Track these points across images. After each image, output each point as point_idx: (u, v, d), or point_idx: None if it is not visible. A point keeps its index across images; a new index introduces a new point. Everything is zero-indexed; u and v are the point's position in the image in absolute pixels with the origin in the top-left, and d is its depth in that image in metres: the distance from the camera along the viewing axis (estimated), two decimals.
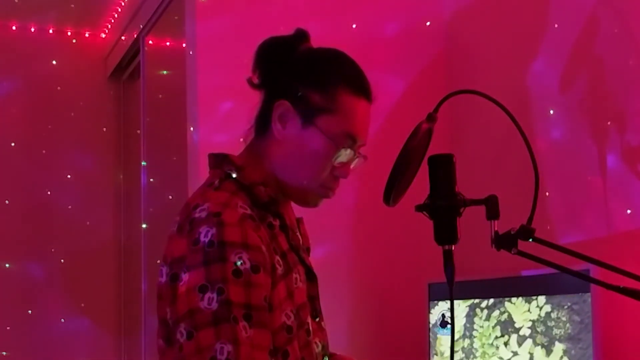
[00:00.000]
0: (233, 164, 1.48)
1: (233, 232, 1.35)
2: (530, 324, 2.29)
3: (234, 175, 1.47)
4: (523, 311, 2.31)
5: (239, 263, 1.33)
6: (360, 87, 1.50)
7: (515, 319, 2.33)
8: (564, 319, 2.19)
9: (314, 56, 1.52)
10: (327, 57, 1.52)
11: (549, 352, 2.21)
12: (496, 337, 2.39)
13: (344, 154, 1.49)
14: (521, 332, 2.30)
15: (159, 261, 1.48)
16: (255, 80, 1.52)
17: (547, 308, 2.24)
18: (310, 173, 1.49)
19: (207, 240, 1.34)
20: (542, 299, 2.26)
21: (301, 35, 1.53)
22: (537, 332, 2.26)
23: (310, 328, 1.50)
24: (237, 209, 1.39)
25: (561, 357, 2.17)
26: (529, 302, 2.30)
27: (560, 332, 2.19)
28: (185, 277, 1.35)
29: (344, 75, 1.49)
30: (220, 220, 1.36)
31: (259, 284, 1.35)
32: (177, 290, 1.36)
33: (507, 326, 2.35)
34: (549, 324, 2.23)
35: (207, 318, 1.31)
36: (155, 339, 1.49)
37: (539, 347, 2.24)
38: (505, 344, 2.36)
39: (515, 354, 2.31)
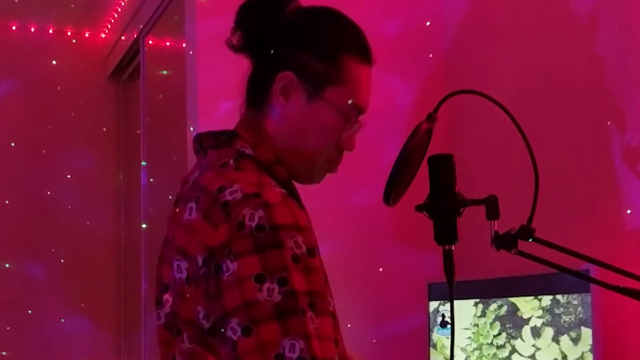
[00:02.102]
0: (246, 141, 1.35)
1: (283, 214, 1.21)
2: (540, 312, 2.27)
3: (249, 153, 1.34)
4: (529, 300, 2.30)
5: (295, 248, 1.20)
6: (365, 52, 1.40)
7: (522, 310, 2.32)
8: (574, 302, 2.17)
9: (313, 20, 1.40)
10: (328, 22, 1.40)
11: (576, 340, 2.18)
12: (495, 336, 2.40)
13: (353, 127, 1.40)
14: (531, 323, 2.29)
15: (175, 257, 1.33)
16: (236, 42, 1.38)
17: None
18: (318, 148, 1.38)
19: (254, 224, 1.19)
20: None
21: None
22: (553, 319, 2.26)
23: None
24: (274, 188, 1.26)
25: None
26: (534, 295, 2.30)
27: (570, 317, 2.19)
28: (232, 266, 1.19)
29: (348, 41, 1.39)
30: (265, 201, 1.21)
31: (317, 267, 1.22)
32: (222, 282, 1.20)
33: (513, 320, 2.35)
34: (556, 311, 2.22)
35: (268, 311, 1.16)
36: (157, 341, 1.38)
37: (565, 336, 2.21)
38: (511, 337, 2.35)
39: (536, 347, 2.28)
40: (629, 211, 2.27)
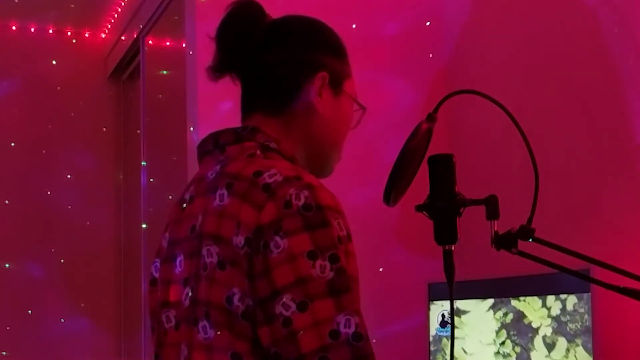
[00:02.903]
0: (269, 136, 1.38)
1: (326, 196, 1.25)
2: (549, 321, 2.26)
3: (274, 146, 1.37)
4: (537, 308, 2.29)
5: (338, 229, 1.23)
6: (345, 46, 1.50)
7: (531, 318, 2.31)
8: (581, 310, 2.17)
9: (315, 26, 1.49)
10: (327, 27, 1.50)
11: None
12: (501, 344, 2.39)
13: (361, 113, 1.50)
14: (541, 332, 2.28)
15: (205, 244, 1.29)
16: (223, 63, 1.45)
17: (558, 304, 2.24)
18: (342, 138, 1.47)
19: (301, 203, 1.21)
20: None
21: (255, 5, 1.47)
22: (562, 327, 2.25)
23: None
24: (310, 174, 1.30)
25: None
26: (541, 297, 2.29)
27: (577, 325, 2.18)
28: (283, 243, 1.19)
29: (342, 42, 1.49)
30: (308, 182, 1.25)
31: (353, 253, 1.26)
32: (270, 260, 1.20)
33: (518, 327, 2.35)
34: (562, 319, 2.22)
35: (322, 287, 1.18)
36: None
37: (580, 347, 2.21)
38: (515, 345, 2.35)
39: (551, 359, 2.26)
40: (628, 211, 2.27)
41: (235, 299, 1.23)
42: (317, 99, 1.41)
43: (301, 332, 1.17)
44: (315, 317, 1.18)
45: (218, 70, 1.47)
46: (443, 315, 2.58)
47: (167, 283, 1.39)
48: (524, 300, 2.32)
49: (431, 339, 2.61)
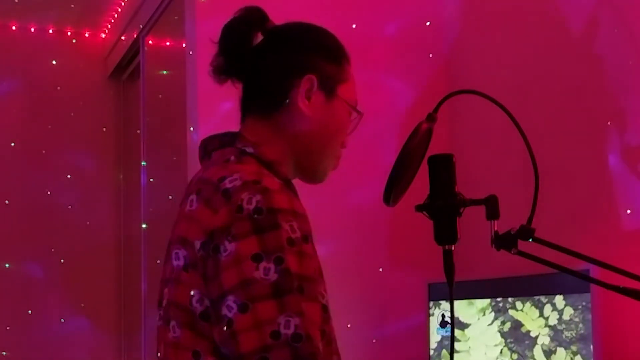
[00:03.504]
0: (247, 141, 1.41)
1: (280, 199, 1.26)
2: (547, 330, 2.26)
3: (250, 151, 1.39)
4: (535, 317, 2.30)
5: (290, 231, 1.24)
6: (349, 56, 1.50)
7: (529, 327, 2.32)
8: (576, 319, 2.18)
9: (311, 28, 1.51)
10: (326, 32, 1.51)
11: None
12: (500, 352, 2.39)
13: (357, 120, 1.49)
14: (539, 341, 2.28)
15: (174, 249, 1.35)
16: (223, 66, 1.48)
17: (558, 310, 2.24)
18: (335, 143, 1.46)
19: (252, 207, 1.24)
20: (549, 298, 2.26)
21: (259, 12, 1.50)
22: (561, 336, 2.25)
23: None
24: (273, 178, 1.32)
25: None
26: (538, 307, 2.30)
27: (572, 334, 2.19)
28: (231, 247, 1.23)
29: (342, 48, 1.49)
30: (264, 187, 1.27)
31: (309, 254, 1.27)
32: (220, 263, 1.24)
33: (515, 335, 2.35)
34: (559, 327, 2.22)
35: (265, 289, 1.20)
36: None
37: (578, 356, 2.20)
38: (512, 352, 2.35)
39: None
40: (628, 211, 2.27)
41: (194, 300, 1.28)
42: (303, 101, 1.42)
43: (241, 333, 1.20)
44: (257, 319, 1.20)
45: (218, 73, 1.50)
46: (443, 315, 2.58)
47: (161, 283, 1.44)
48: (522, 310, 2.33)
49: (431, 339, 2.61)
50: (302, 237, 1.26)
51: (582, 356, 2.14)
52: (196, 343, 1.29)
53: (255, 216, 1.24)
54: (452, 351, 1.46)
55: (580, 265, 1.75)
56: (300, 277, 1.23)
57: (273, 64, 1.45)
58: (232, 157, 1.38)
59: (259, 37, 1.47)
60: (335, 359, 1.39)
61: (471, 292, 2.49)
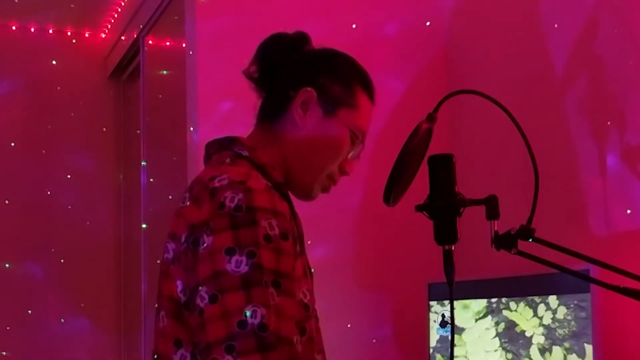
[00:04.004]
0: (243, 145, 1.48)
1: (261, 198, 1.32)
2: (541, 329, 2.27)
3: (245, 154, 1.46)
4: (529, 317, 2.30)
5: (268, 228, 1.29)
6: (372, 91, 1.55)
7: (523, 327, 2.32)
8: (568, 317, 2.18)
9: (332, 53, 1.56)
10: (344, 57, 1.56)
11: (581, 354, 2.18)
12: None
13: (358, 149, 1.53)
14: (534, 340, 2.28)
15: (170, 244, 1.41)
16: (255, 74, 1.54)
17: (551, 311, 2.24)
18: (323, 161, 1.50)
19: (233, 205, 1.30)
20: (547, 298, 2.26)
21: (306, 36, 1.57)
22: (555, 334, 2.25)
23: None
24: (260, 179, 1.38)
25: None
26: (532, 307, 2.30)
27: (565, 331, 2.19)
28: (208, 240, 1.30)
29: (359, 76, 1.54)
30: (247, 187, 1.33)
31: (288, 251, 1.31)
32: (198, 255, 1.31)
33: (512, 336, 2.35)
34: (552, 325, 2.23)
35: (235, 281, 1.26)
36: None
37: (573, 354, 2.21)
38: (506, 352, 2.35)
39: None
40: (629, 211, 2.27)
41: (178, 290, 1.36)
42: (297, 111, 1.48)
43: (210, 322, 1.26)
44: (225, 308, 1.25)
45: (248, 77, 1.56)
46: (443, 315, 2.58)
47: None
48: (516, 310, 2.33)
49: (431, 339, 2.61)
50: (281, 235, 1.31)
51: (575, 353, 2.14)
52: (179, 331, 1.36)
53: (234, 213, 1.30)
54: (452, 351, 1.46)
55: (580, 265, 1.75)
56: (276, 272, 1.28)
57: (285, 77, 1.52)
58: (228, 160, 1.45)
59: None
60: (319, 357, 1.43)
61: (471, 292, 2.49)
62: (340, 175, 1.55)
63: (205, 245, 1.30)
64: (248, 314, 1.24)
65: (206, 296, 1.27)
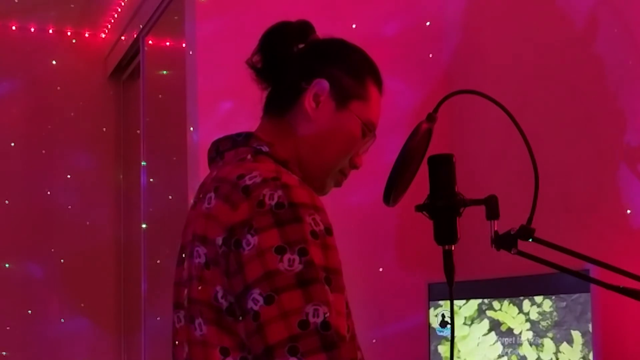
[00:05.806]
0: (262, 140, 1.43)
1: (301, 194, 1.28)
2: (528, 325, 2.28)
3: (265, 150, 1.41)
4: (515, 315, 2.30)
5: (313, 224, 1.26)
6: (380, 81, 1.52)
7: (511, 326, 2.32)
8: (550, 309, 2.20)
9: (341, 44, 1.53)
10: (354, 47, 1.54)
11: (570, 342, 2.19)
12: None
13: (369, 142, 1.51)
14: (523, 336, 2.29)
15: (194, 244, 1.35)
16: (259, 64, 1.49)
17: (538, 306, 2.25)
18: (336, 155, 1.47)
19: (274, 202, 1.25)
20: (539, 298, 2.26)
21: (310, 25, 1.55)
22: (542, 329, 2.26)
23: None
24: (291, 175, 1.33)
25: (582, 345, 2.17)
26: (516, 304, 2.30)
27: (547, 322, 2.20)
28: (253, 240, 1.24)
29: (370, 67, 1.52)
30: (284, 182, 1.28)
31: (333, 246, 1.29)
32: (243, 257, 1.24)
33: (500, 335, 2.35)
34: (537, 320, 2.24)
35: (290, 280, 1.21)
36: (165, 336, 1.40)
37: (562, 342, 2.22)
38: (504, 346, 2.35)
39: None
40: (628, 211, 2.27)
41: (219, 296, 1.28)
42: (310, 103, 1.44)
43: (268, 325, 1.20)
44: (283, 309, 1.20)
45: (251, 68, 1.51)
46: (443, 316, 2.58)
47: (177, 285, 1.44)
48: (500, 310, 2.34)
49: (431, 339, 2.61)
50: (325, 230, 1.28)
51: (555, 340, 2.17)
52: (223, 339, 1.29)
53: (277, 210, 1.25)
54: (452, 351, 1.46)
55: (580, 265, 1.75)
56: (326, 269, 1.24)
57: (295, 68, 1.47)
58: (249, 156, 1.39)
59: (300, 47, 1.50)
60: (359, 354, 1.39)
61: (471, 292, 2.49)
62: (350, 169, 1.52)
63: (250, 246, 1.24)
64: (309, 313, 1.19)
65: (260, 298, 1.21)
